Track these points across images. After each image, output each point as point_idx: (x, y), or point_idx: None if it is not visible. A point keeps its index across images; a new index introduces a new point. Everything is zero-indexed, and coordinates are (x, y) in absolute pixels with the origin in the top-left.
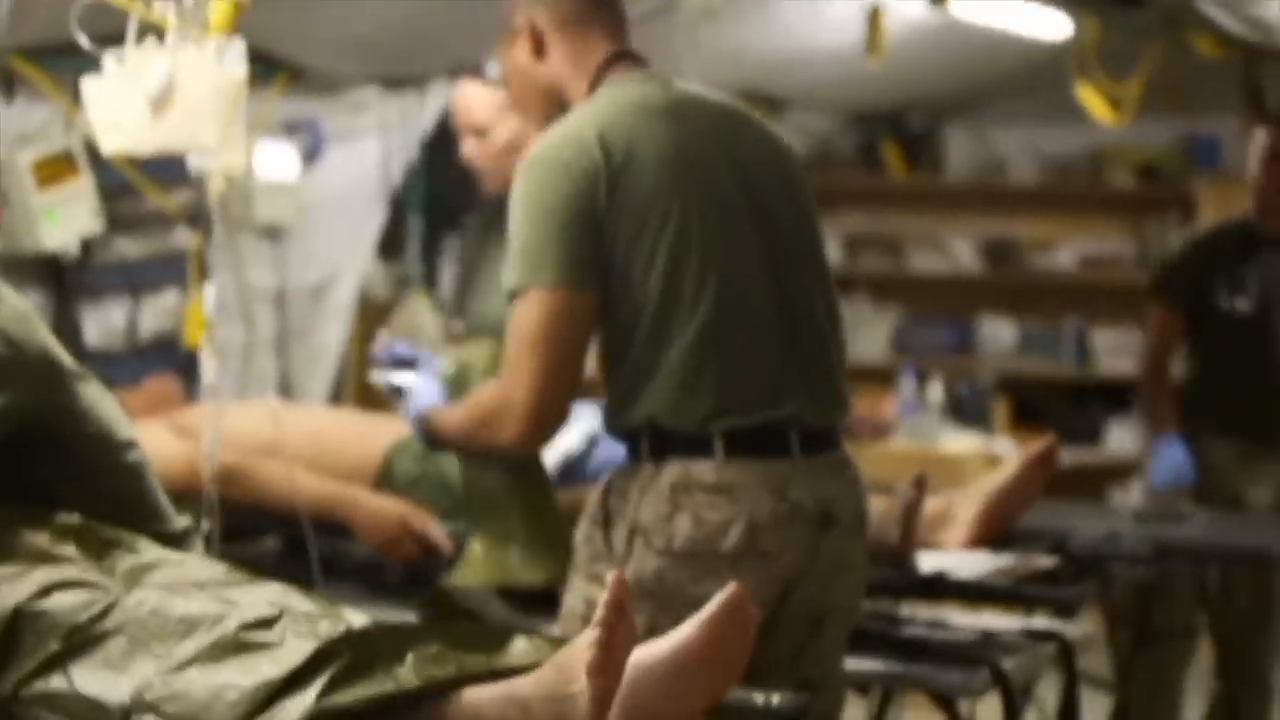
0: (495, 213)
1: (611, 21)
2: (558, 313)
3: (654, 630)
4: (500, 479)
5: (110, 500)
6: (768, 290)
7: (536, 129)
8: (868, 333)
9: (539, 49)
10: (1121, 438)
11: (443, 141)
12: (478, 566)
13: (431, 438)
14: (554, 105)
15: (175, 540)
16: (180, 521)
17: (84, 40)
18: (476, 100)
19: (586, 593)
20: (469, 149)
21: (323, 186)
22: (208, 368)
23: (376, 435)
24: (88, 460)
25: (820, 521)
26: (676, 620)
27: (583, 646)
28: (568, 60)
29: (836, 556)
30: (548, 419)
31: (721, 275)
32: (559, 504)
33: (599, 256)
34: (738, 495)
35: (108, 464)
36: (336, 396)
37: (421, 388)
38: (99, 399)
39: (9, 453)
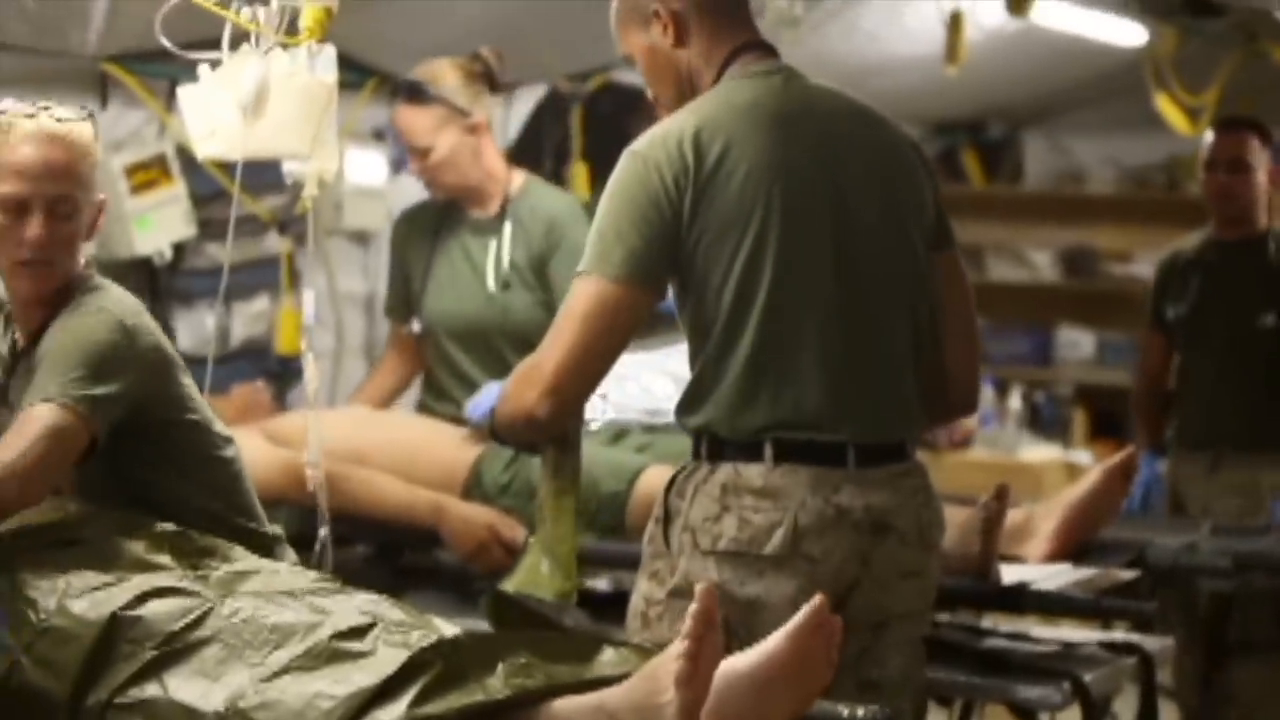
0: (445, 213)
1: (744, 9)
2: (611, 303)
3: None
4: (545, 482)
5: (208, 489)
6: (839, 309)
7: (667, 112)
8: None
9: (681, 35)
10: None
11: (530, 145)
12: (521, 573)
13: (491, 426)
14: (687, 91)
15: (266, 543)
16: (273, 528)
17: (170, 45)
18: (412, 123)
19: (647, 591)
20: (414, 166)
21: (411, 192)
22: (310, 373)
23: (465, 443)
24: (190, 447)
25: (871, 529)
26: (726, 622)
27: (671, 657)
28: (702, 48)
29: (894, 564)
30: (567, 394)
31: (791, 291)
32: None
33: (669, 257)
34: (783, 500)
35: (208, 454)
36: (423, 403)
37: (487, 391)
38: (199, 394)
39: (120, 436)
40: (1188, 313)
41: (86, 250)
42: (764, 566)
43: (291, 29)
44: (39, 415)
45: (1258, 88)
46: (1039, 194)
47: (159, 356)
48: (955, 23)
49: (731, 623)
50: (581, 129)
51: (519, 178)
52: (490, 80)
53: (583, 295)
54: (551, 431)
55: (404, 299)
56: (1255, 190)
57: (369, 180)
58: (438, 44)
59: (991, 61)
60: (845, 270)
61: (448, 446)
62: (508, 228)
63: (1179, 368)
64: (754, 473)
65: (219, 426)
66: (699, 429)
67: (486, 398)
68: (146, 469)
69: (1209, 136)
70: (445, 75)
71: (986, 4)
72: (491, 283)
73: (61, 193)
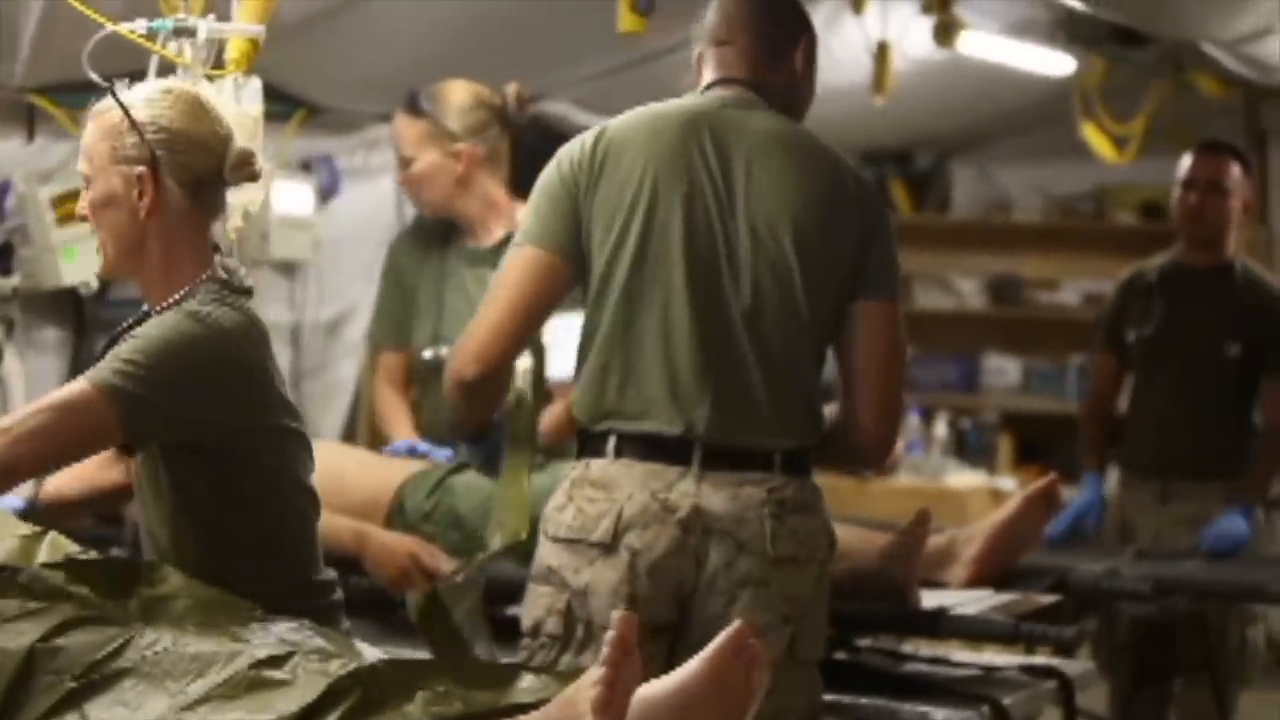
0: (427, 236)
1: (739, 53)
2: (522, 265)
3: (563, 613)
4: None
5: (271, 531)
6: (709, 314)
7: None
8: None
9: (698, 69)
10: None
11: None
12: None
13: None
14: None
15: (317, 590)
16: (327, 573)
17: (97, 78)
18: (400, 131)
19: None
20: (398, 176)
21: (338, 223)
22: None
23: (388, 471)
24: (258, 490)
25: (702, 531)
26: (573, 608)
27: (588, 684)
28: (701, 80)
29: (732, 571)
30: (489, 353)
31: (645, 289)
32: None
33: (572, 231)
34: (614, 491)
35: (279, 500)
36: (350, 432)
37: None
38: (296, 441)
39: (188, 453)
40: (1150, 336)
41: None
42: (594, 555)
43: (218, 62)
44: (66, 389)
45: (1185, 117)
46: (966, 223)
47: (247, 386)
48: (882, 53)
49: (573, 608)
50: (510, 158)
51: (523, 209)
52: (503, 116)
53: (505, 264)
54: (483, 392)
55: (399, 324)
56: (1229, 216)
57: (296, 210)
58: (368, 75)
59: (919, 91)
60: (720, 279)
61: (371, 475)
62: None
63: (1132, 391)
64: (597, 466)
65: (304, 476)
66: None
67: None
68: (208, 495)
69: (1187, 157)
70: (452, 95)
71: (913, 34)
72: None
73: (83, 172)
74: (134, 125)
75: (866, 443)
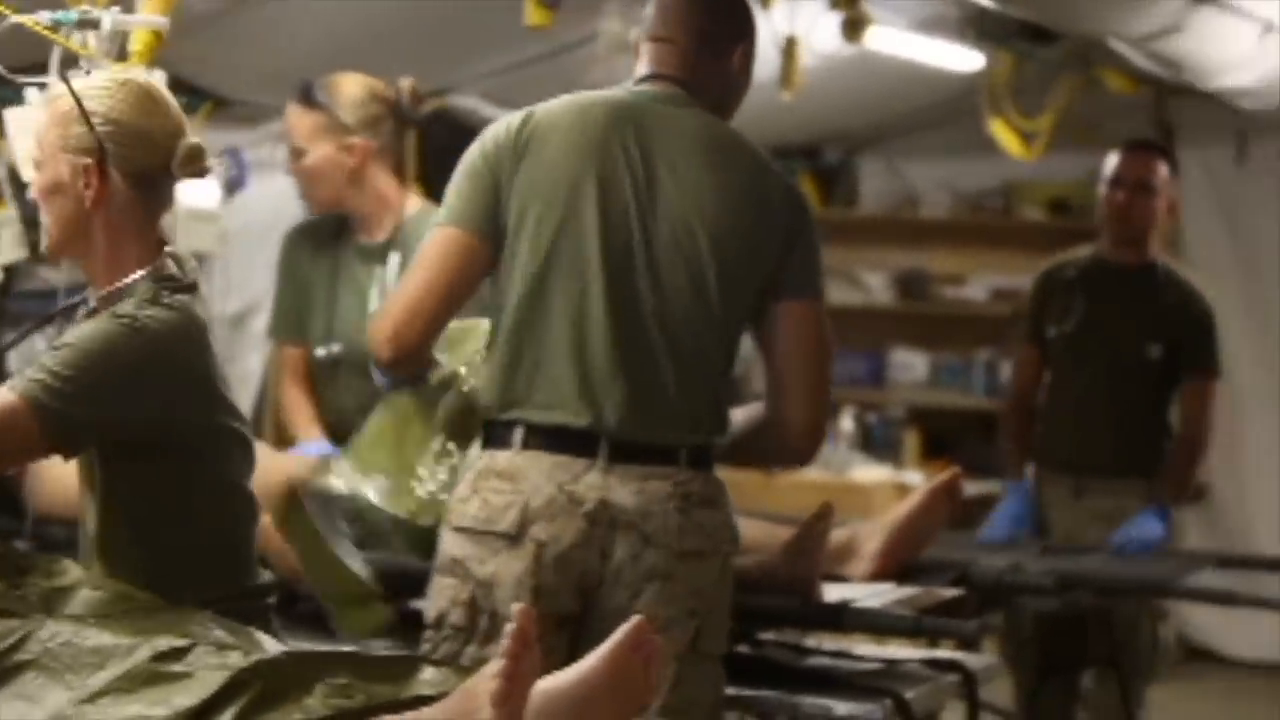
0: (320, 231)
1: (675, 50)
2: (441, 245)
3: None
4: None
5: (206, 534)
6: (621, 307)
7: None
8: None
9: (635, 60)
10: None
11: None
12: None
13: None
14: None
15: (251, 591)
16: (263, 575)
17: (0, 69)
18: (294, 122)
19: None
20: (288, 167)
21: (245, 216)
22: None
23: (289, 465)
24: (198, 487)
25: (609, 524)
26: (477, 599)
27: (487, 676)
28: (642, 63)
29: (638, 564)
30: (403, 333)
31: (557, 277)
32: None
33: (491, 212)
34: (521, 482)
35: (213, 500)
36: (256, 425)
37: None
38: (235, 443)
39: (142, 457)
40: (1070, 332)
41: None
42: (499, 546)
43: (122, 54)
44: None
45: (1093, 114)
46: (874, 218)
47: (180, 390)
48: (790, 48)
49: (477, 599)
50: (416, 152)
51: (414, 203)
52: (398, 111)
53: (425, 243)
54: (401, 370)
55: (297, 319)
56: (1155, 216)
57: (202, 203)
58: (275, 67)
59: (827, 87)
60: (629, 272)
61: (273, 469)
62: (394, 255)
63: (1050, 387)
64: (503, 457)
65: (243, 480)
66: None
67: None
68: (142, 495)
69: (1114, 156)
70: (346, 87)
71: (822, 30)
72: (374, 309)
73: (34, 156)
74: (84, 115)
75: (794, 441)
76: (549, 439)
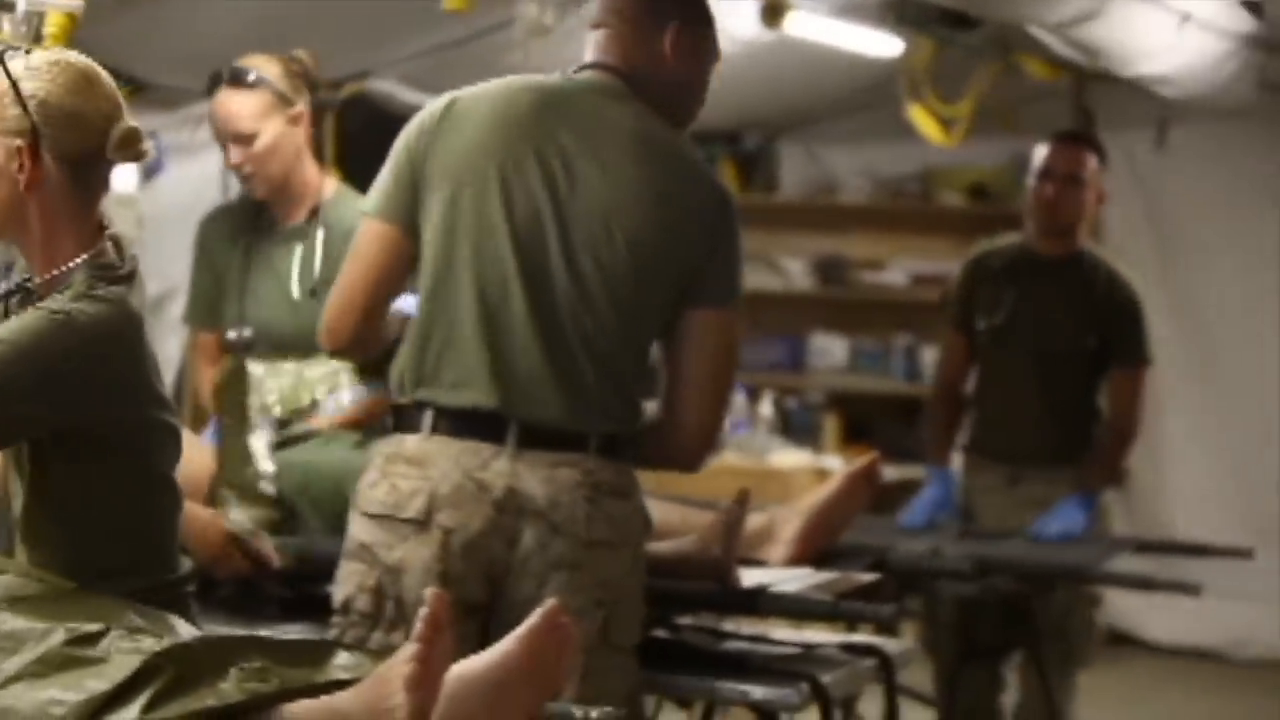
0: (235, 215)
1: (611, 37)
2: (368, 236)
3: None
4: None
5: (132, 524)
6: (534, 294)
7: None
8: None
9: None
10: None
11: None
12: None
13: None
14: None
15: (174, 581)
16: (185, 565)
17: None
18: (239, 108)
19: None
20: (235, 157)
21: (162, 200)
22: None
23: (209, 450)
24: (125, 478)
25: (516, 511)
26: (383, 585)
27: (401, 660)
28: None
29: (545, 552)
30: (339, 326)
31: (468, 263)
32: None
33: (411, 203)
34: (429, 468)
35: (140, 491)
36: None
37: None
38: (165, 435)
39: (70, 447)
40: (1001, 324)
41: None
42: (406, 532)
43: (38, 37)
44: None
45: (1012, 100)
46: (793, 203)
47: (109, 384)
48: None
49: (384, 585)
50: (334, 136)
51: (331, 184)
52: (308, 79)
53: (357, 235)
54: (347, 359)
55: (212, 306)
56: (1084, 208)
57: (120, 187)
58: (193, 50)
59: (746, 73)
60: (541, 258)
61: (192, 453)
62: (320, 234)
63: (981, 378)
64: (411, 442)
65: (167, 466)
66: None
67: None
68: (69, 484)
69: (1043, 147)
70: (268, 65)
71: (740, 16)
72: (296, 291)
73: None
74: (18, 96)
75: (683, 448)
76: (457, 423)
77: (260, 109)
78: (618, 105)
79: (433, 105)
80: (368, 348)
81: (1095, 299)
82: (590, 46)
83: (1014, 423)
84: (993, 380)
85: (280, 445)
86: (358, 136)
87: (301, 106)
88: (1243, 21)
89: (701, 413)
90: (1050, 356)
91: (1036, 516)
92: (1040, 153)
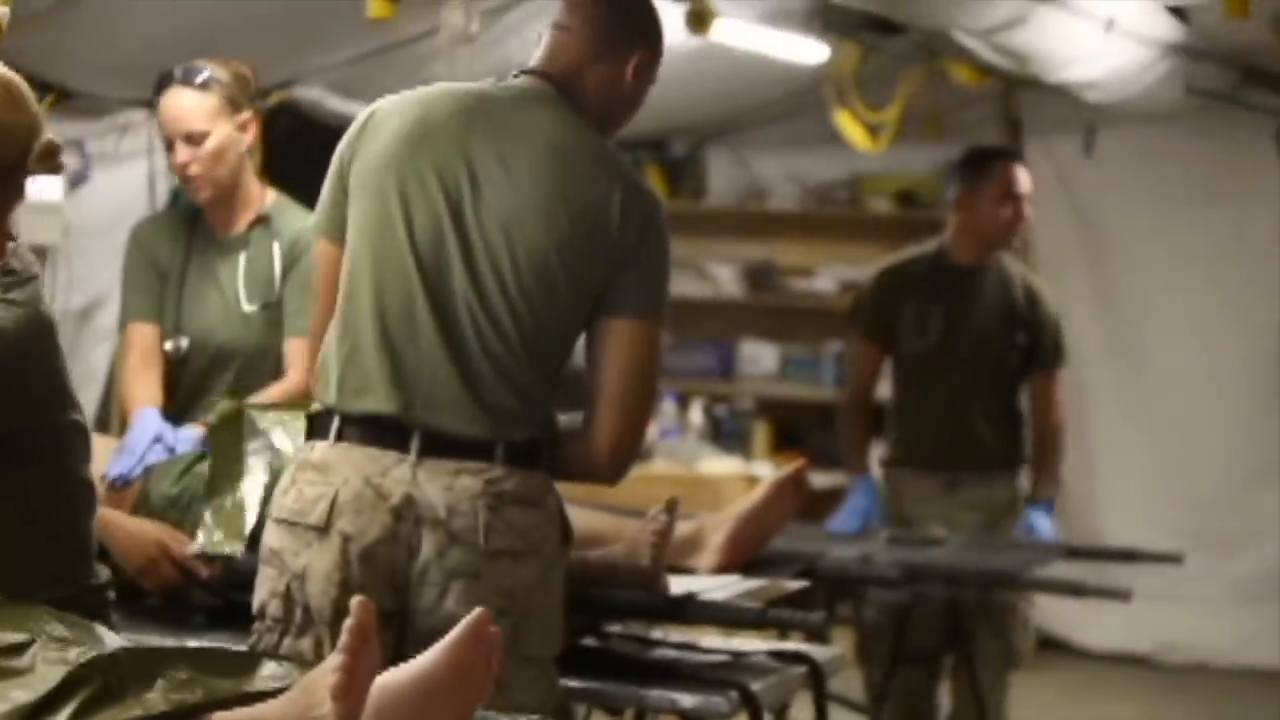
0: (173, 225)
1: (566, 44)
2: (320, 261)
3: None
4: None
5: (48, 528)
6: (439, 302)
7: None
8: None
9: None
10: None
11: None
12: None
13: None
14: None
15: (91, 587)
16: (101, 570)
17: None
18: (191, 107)
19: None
20: (182, 156)
21: (89, 209)
22: None
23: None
24: (40, 481)
25: (415, 520)
26: (291, 591)
27: (327, 670)
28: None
29: (445, 561)
30: (312, 355)
31: (380, 270)
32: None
33: (345, 212)
34: (332, 475)
35: (55, 495)
36: (103, 420)
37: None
38: (79, 436)
39: None
40: (935, 342)
41: None
42: (310, 538)
43: None
44: None
45: (938, 106)
46: (722, 210)
47: (21, 387)
48: None
49: (292, 591)
50: (260, 144)
51: (271, 195)
52: (253, 88)
53: (313, 261)
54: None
55: (155, 298)
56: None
57: (45, 196)
58: (119, 58)
59: (673, 79)
60: (445, 265)
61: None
62: (275, 246)
63: (908, 391)
64: (319, 449)
65: (82, 469)
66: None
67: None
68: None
69: (996, 167)
70: (220, 68)
71: (666, 21)
72: (246, 303)
73: None
74: None
75: (596, 462)
76: (361, 430)
77: (212, 109)
78: (541, 112)
79: (360, 117)
80: None
81: (1018, 306)
82: (543, 47)
83: (951, 432)
84: (928, 395)
85: (199, 459)
86: (284, 144)
87: (248, 114)
88: (1168, 28)
89: (614, 426)
90: (984, 366)
91: (974, 518)
92: (994, 173)
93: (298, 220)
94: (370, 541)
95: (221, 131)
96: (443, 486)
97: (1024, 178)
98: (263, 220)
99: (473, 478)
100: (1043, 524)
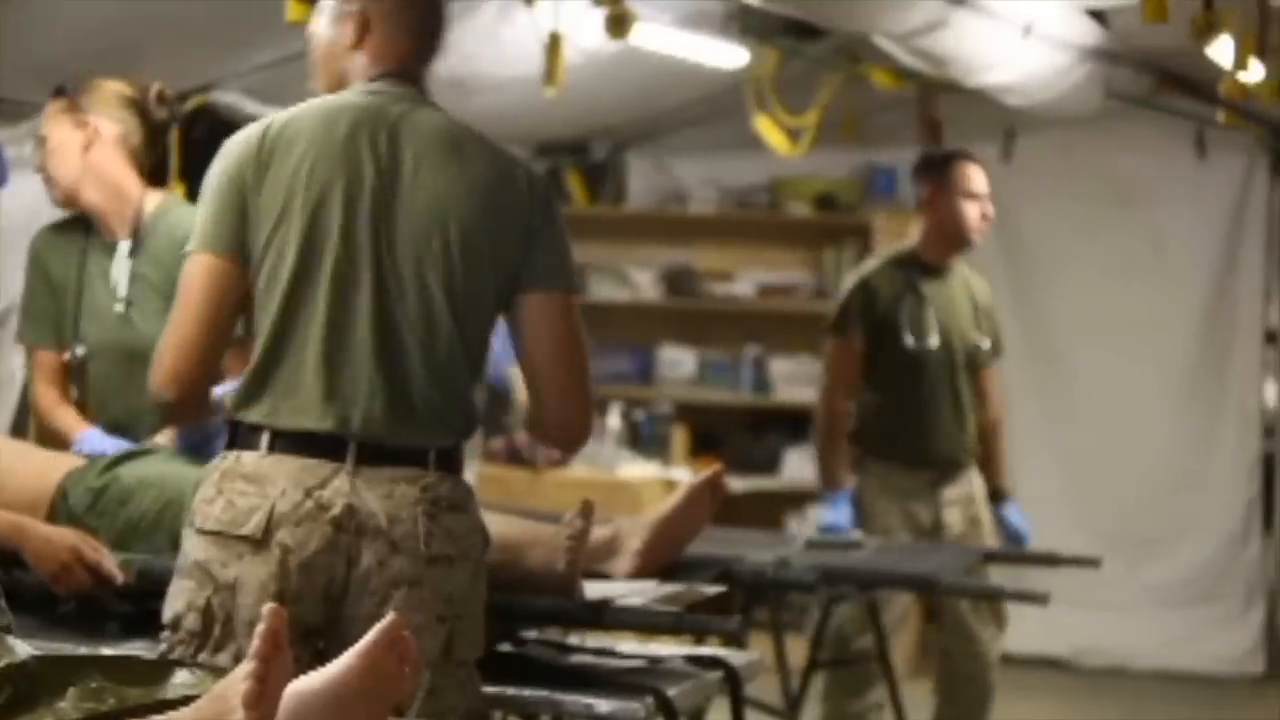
0: (69, 231)
1: (417, 42)
2: (199, 273)
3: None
4: None
5: None
6: (368, 311)
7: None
8: None
9: (360, 39)
10: (798, 465)
11: None
12: None
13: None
14: (338, 88)
15: None
16: None
17: None
18: (44, 114)
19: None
20: (36, 158)
21: (6, 214)
22: None
23: (52, 465)
24: None
25: (356, 529)
26: (217, 602)
27: (239, 678)
28: (365, 60)
29: (385, 569)
30: (180, 370)
31: (305, 286)
32: None
33: (240, 231)
34: (267, 486)
35: None
36: (19, 426)
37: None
38: None
39: None
40: (933, 340)
41: None
42: (243, 550)
43: None
44: None
45: (857, 110)
46: (642, 214)
47: None
48: (553, 44)
49: (214, 605)
50: (178, 149)
51: (155, 199)
52: (139, 107)
53: (184, 274)
54: (185, 412)
55: (48, 322)
56: None
57: None
58: (38, 63)
59: (592, 83)
60: (376, 274)
61: (34, 468)
62: (151, 245)
63: (897, 391)
64: (249, 459)
65: None
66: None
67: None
68: None
69: (961, 166)
70: (94, 83)
71: (586, 26)
72: (130, 304)
73: None
74: None
75: (555, 434)
76: (296, 442)
77: (53, 112)
78: (423, 111)
79: (247, 133)
80: (206, 402)
81: (978, 302)
82: (377, 53)
83: (941, 429)
84: (917, 391)
85: (115, 463)
86: (203, 149)
87: (93, 117)
88: (1088, 32)
89: (561, 400)
90: (961, 363)
91: (959, 514)
92: (963, 173)
93: (187, 219)
94: (311, 553)
95: (57, 132)
96: (382, 495)
97: (981, 177)
98: (145, 222)
99: (409, 485)
100: (1020, 519)
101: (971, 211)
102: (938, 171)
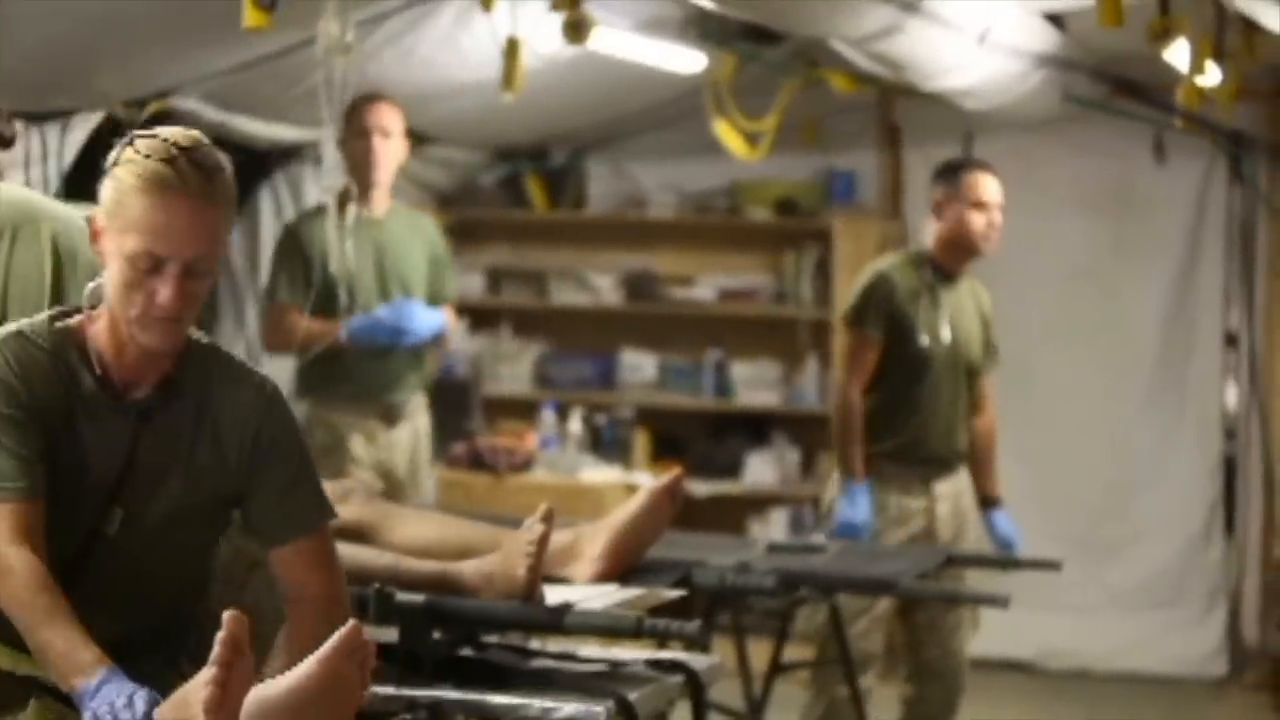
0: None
1: None
2: None
3: None
4: None
5: None
6: None
7: None
8: (510, 366)
9: None
10: (760, 469)
11: (86, 173)
12: None
13: None
14: None
15: None
16: None
17: None
18: None
19: None
20: None
21: None
22: None
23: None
24: None
25: None
26: None
27: (200, 684)
28: None
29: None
30: None
31: None
32: None
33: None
34: None
35: None
36: None
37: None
38: None
39: None
40: (945, 341)
41: None
42: None
43: None
44: None
45: (816, 114)
46: (602, 219)
47: None
48: (511, 49)
49: None
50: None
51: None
52: None
53: None
54: None
55: None
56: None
57: None
58: None
59: (551, 88)
60: None
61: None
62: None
63: (915, 390)
64: None
65: None
66: None
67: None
68: None
69: (973, 175)
70: None
71: (544, 31)
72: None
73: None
74: None
75: None
76: None
77: None
78: None
79: None
80: None
81: (983, 310)
82: None
83: (949, 429)
84: (927, 391)
85: None
86: None
87: None
88: (1044, 36)
89: None
90: (967, 366)
91: (951, 509)
92: (970, 182)
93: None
94: None
95: None
96: None
97: (993, 187)
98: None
99: None
100: (1009, 527)
101: (978, 220)
102: (950, 179)
